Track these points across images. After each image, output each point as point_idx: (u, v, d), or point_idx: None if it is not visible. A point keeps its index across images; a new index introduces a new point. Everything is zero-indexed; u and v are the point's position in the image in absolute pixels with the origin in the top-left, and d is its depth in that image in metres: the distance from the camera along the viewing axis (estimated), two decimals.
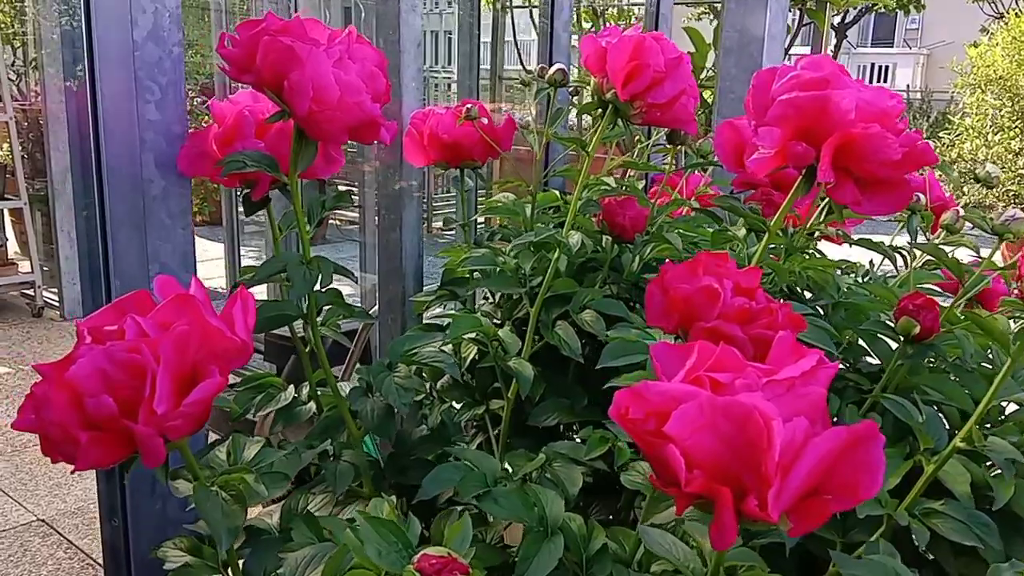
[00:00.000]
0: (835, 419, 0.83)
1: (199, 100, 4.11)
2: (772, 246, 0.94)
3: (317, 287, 0.78)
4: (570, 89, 0.95)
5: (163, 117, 0.78)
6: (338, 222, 5.27)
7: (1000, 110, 4.41)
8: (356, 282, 0.91)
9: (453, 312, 0.94)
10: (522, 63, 3.15)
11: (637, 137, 1.34)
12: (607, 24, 2.27)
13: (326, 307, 0.84)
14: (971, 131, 4.60)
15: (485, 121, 0.94)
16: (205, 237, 4.89)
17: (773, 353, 0.41)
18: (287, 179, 0.74)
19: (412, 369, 0.79)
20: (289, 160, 0.74)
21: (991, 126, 4.47)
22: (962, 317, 0.85)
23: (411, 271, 1.11)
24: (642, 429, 0.39)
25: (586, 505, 0.92)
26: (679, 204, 1.03)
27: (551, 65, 1.31)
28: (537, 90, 0.93)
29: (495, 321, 1.02)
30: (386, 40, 1.05)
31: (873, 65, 13.18)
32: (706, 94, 2.21)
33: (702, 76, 2.21)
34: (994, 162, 4.40)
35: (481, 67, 2.31)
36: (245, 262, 3.84)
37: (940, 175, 1.13)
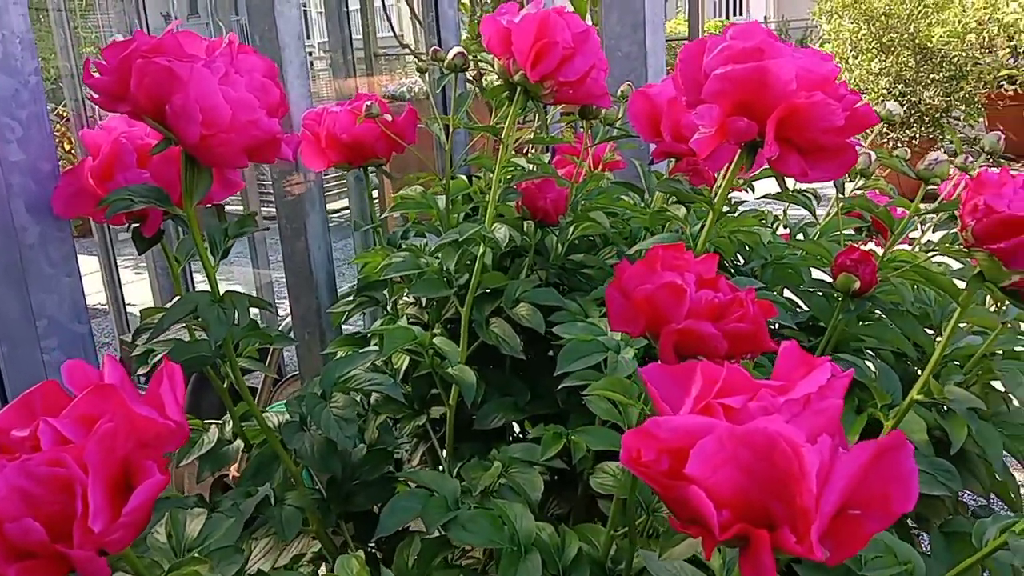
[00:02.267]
0: None
1: (48, 108, 3.81)
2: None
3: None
4: (472, 73, 0.90)
5: (28, 156, 0.68)
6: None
7: (858, 34, 4.57)
8: (274, 311, 0.84)
9: (380, 327, 0.88)
10: (394, 32, 3.03)
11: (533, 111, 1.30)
12: None
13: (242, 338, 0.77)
14: (833, 57, 4.76)
15: (389, 118, 0.87)
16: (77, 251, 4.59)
17: (779, 365, 0.38)
18: (181, 212, 0.66)
19: (348, 396, 0.73)
20: (181, 190, 0.66)
21: (851, 50, 4.64)
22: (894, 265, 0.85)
23: (323, 281, 1.05)
24: (656, 472, 0.35)
25: (543, 501, 0.90)
26: (597, 179, 1.00)
27: (440, 44, 1.25)
28: (436, 79, 0.88)
29: (424, 322, 0.97)
30: (262, 37, 0.97)
31: None
32: None
33: None
34: (857, 85, 4.57)
35: (353, 38, 2.20)
36: (124, 275, 3.62)
37: None
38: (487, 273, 0.88)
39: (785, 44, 0.58)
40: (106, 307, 3.39)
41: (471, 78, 0.92)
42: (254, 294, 2.72)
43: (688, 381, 0.38)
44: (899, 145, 4.40)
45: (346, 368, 0.76)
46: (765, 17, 9.00)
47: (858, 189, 0.98)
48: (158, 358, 0.77)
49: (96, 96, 0.61)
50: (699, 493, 0.33)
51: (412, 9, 2.04)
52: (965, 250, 0.62)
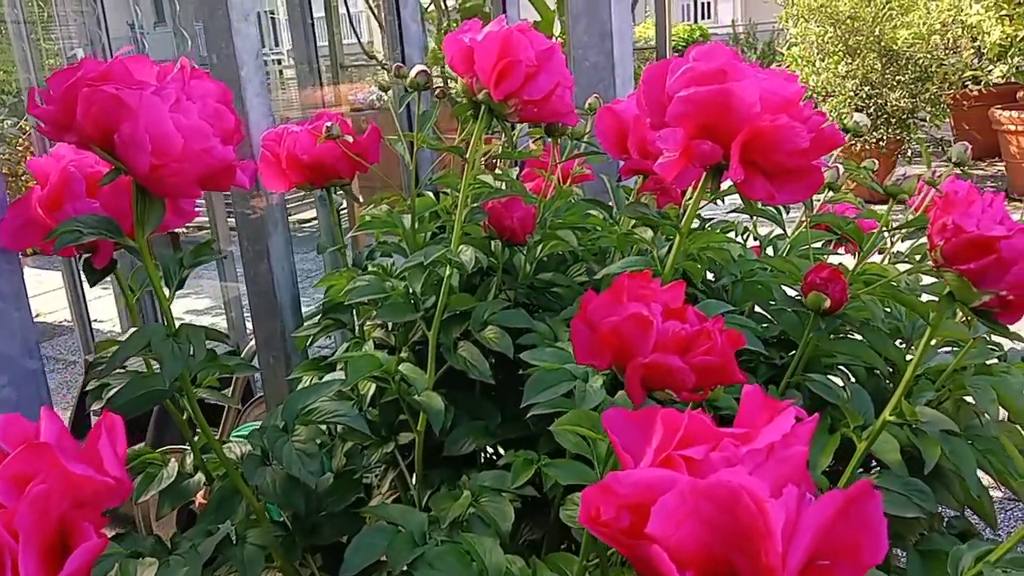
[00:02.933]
0: None
1: (10, 123, 3.75)
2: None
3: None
4: (436, 92, 0.88)
5: None
6: (184, 230, 4.97)
7: (824, 37, 4.61)
8: (228, 340, 0.81)
9: (344, 354, 0.86)
10: (359, 39, 3.00)
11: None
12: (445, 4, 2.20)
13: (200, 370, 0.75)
14: (800, 60, 4.79)
15: (350, 139, 0.85)
16: (40, 267, 4.52)
17: (743, 410, 0.37)
18: (133, 243, 0.64)
19: (311, 428, 0.71)
20: (133, 221, 0.64)
21: (817, 53, 4.67)
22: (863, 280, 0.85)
23: (287, 303, 1.02)
24: (617, 530, 0.34)
25: (516, 527, 0.88)
26: (565, 195, 0.98)
27: (404, 59, 1.23)
28: (400, 97, 0.86)
29: (391, 345, 0.95)
30: (220, 55, 0.94)
31: (696, 2, 13.60)
32: None
33: None
34: (824, 88, 4.61)
35: (318, 44, 2.17)
36: (91, 290, 3.56)
37: None
38: (454, 295, 0.86)
39: (749, 65, 0.56)
40: (71, 324, 3.33)
41: (436, 96, 0.90)
42: (221, 308, 2.67)
43: (650, 427, 0.37)
44: (867, 147, 4.45)
45: (309, 398, 0.74)
46: (733, 21, 9.07)
47: (827, 202, 0.97)
48: (113, 392, 0.74)
49: (42, 126, 0.58)
50: (661, 553, 0.32)
51: (379, 20, 2.01)
52: (934, 268, 0.61)
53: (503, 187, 1.05)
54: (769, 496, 0.33)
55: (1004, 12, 3.97)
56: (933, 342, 0.91)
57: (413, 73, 0.85)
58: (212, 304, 3.94)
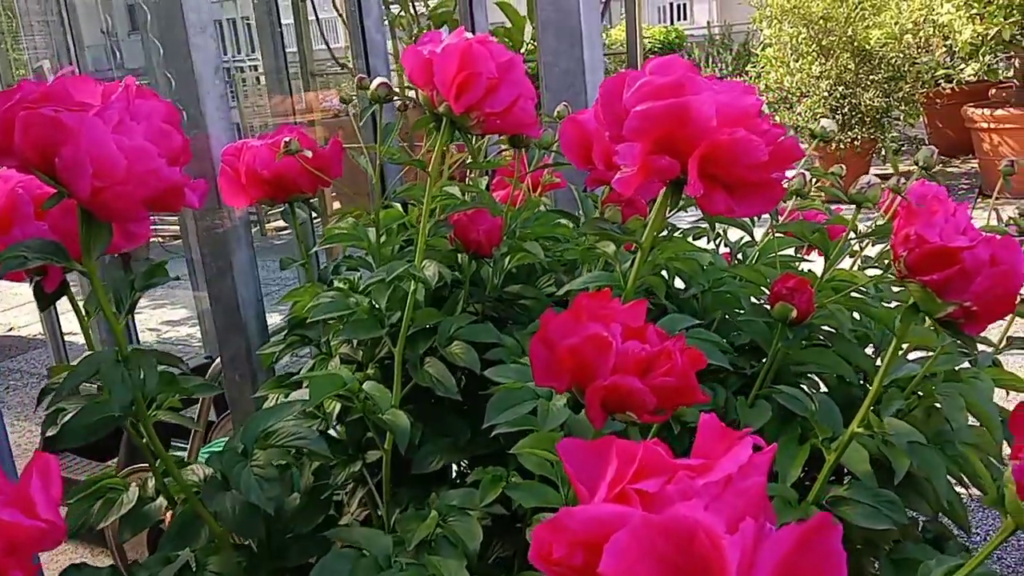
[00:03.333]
0: (722, 411, 0.81)
1: None
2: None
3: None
4: (398, 104, 0.87)
5: None
6: (161, 239, 4.90)
7: (797, 38, 4.63)
8: (186, 366, 0.79)
9: (307, 373, 0.84)
10: (328, 47, 2.98)
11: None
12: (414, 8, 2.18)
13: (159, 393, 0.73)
14: (774, 61, 4.81)
15: (309, 154, 0.84)
16: (12, 279, 4.45)
17: (699, 440, 0.36)
18: (81, 267, 0.62)
19: (271, 452, 0.69)
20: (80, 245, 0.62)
21: (791, 54, 4.70)
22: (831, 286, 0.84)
23: (252, 320, 1.01)
24: (569, 567, 0.32)
25: (487, 544, 0.87)
26: (533, 206, 0.97)
27: (368, 71, 1.21)
28: (361, 111, 0.84)
29: (359, 360, 0.93)
30: (179, 70, 0.93)
31: (671, 4, 13.65)
32: (530, 66, 2.17)
33: (522, 50, 2.16)
34: (799, 88, 4.63)
35: (287, 50, 2.15)
36: (62, 303, 3.50)
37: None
38: (420, 310, 0.85)
39: (706, 77, 0.56)
40: (44, 338, 3.28)
41: (398, 108, 0.88)
42: (195, 318, 2.63)
43: (606, 457, 0.35)
44: (841, 147, 4.47)
45: (269, 420, 0.72)
46: (708, 22, 9.11)
47: (796, 208, 0.96)
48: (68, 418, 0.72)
49: None
50: None
51: (348, 27, 2.00)
52: (899, 279, 0.60)
53: (470, 198, 1.04)
54: (726, 531, 0.32)
55: (975, 11, 4.01)
56: (903, 349, 0.91)
57: (374, 85, 0.84)
58: (188, 315, 3.89)
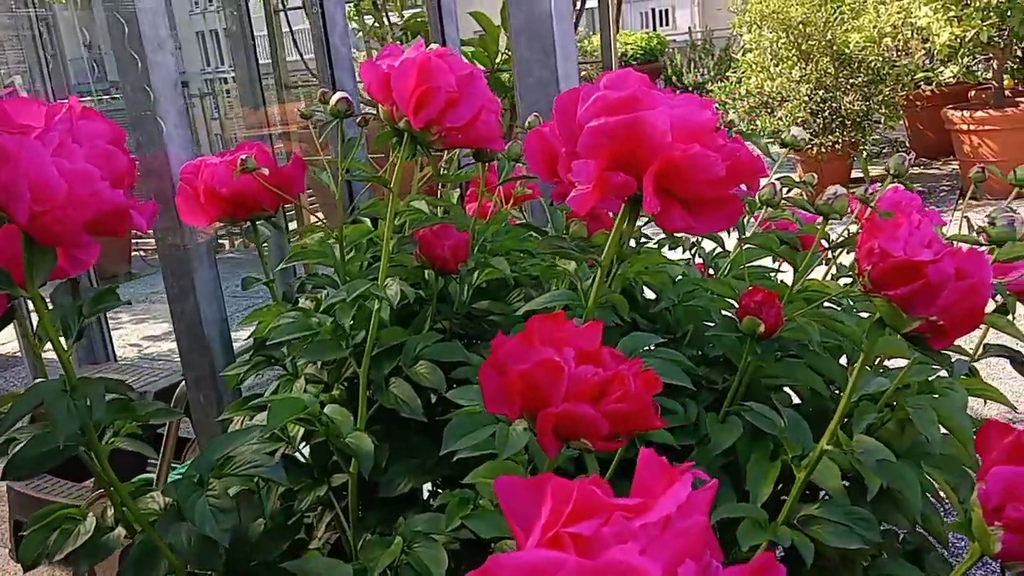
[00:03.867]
0: (694, 427, 0.80)
1: None
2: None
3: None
4: (358, 120, 0.85)
5: None
6: (143, 252, 4.85)
7: (777, 42, 4.64)
8: (136, 393, 0.77)
9: (268, 397, 0.82)
10: (302, 58, 2.95)
11: None
12: (388, 22, 2.16)
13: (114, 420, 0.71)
14: (754, 66, 4.82)
15: (266, 171, 0.82)
16: None
17: (639, 477, 0.34)
18: (25, 293, 0.60)
19: (227, 480, 0.67)
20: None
21: (771, 59, 4.71)
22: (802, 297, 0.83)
23: (216, 340, 0.98)
24: None
25: (455, 567, 0.85)
26: (500, 220, 0.96)
27: (333, 84, 1.20)
28: (321, 125, 0.83)
29: (325, 381, 0.91)
30: (132, 87, 0.91)
31: (653, 10, 13.70)
32: (504, 77, 2.16)
33: (497, 60, 2.15)
34: (779, 92, 4.64)
35: (261, 63, 2.13)
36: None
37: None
38: (385, 329, 0.83)
39: (662, 91, 0.54)
40: (20, 357, 3.24)
41: (359, 123, 0.87)
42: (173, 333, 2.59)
43: (543, 497, 0.34)
44: (823, 150, 4.48)
45: (227, 447, 0.70)
46: (689, 28, 9.13)
47: (767, 219, 0.95)
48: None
49: None
50: None
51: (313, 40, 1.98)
52: (864, 293, 0.59)
53: (440, 213, 1.03)
54: (663, 575, 0.30)
55: (952, 14, 4.03)
56: (879, 358, 0.90)
57: (334, 100, 0.82)
58: (169, 329, 3.86)
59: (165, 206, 0.93)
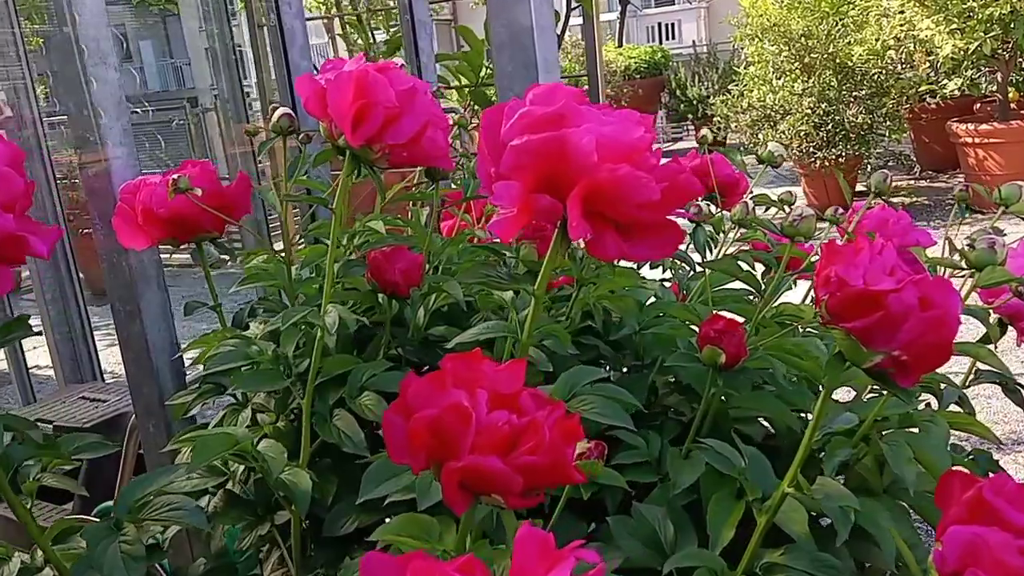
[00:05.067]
0: (657, 462, 0.75)
1: None
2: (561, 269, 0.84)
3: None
4: (300, 136, 0.81)
5: None
6: None
7: (779, 55, 4.59)
8: (37, 430, 0.72)
9: (216, 425, 0.78)
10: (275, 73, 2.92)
11: None
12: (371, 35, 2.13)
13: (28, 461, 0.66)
14: (756, 79, 4.78)
15: (199, 192, 0.78)
16: None
17: (517, 559, 0.29)
18: None
19: (143, 528, 0.63)
20: None
21: (773, 72, 4.66)
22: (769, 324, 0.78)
23: (165, 367, 0.94)
24: None
25: None
26: (458, 242, 0.91)
27: (292, 99, 1.16)
28: (262, 143, 0.78)
29: (268, 412, 0.87)
30: (75, 103, 0.87)
31: (660, 24, 13.70)
32: (490, 92, 2.12)
33: (482, 74, 2.12)
34: (781, 106, 4.59)
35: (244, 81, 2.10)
36: (30, 340, 3.43)
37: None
38: (330, 357, 0.78)
39: (595, 107, 0.50)
40: (9, 373, 3.20)
41: (300, 141, 0.83)
42: None
43: None
44: (826, 165, 4.43)
45: (149, 487, 0.66)
46: (693, 41, 9.10)
47: (739, 240, 0.91)
48: None
49: None
50: None
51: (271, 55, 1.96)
52: (822, 325, 0.54)
53: (407, 231, 0.98)
54: None
55: (955, 26, 3.97)
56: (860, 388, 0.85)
57: (275, 116, 0.78)
58: None
59: (109, 227, 0.89)
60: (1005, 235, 0.75)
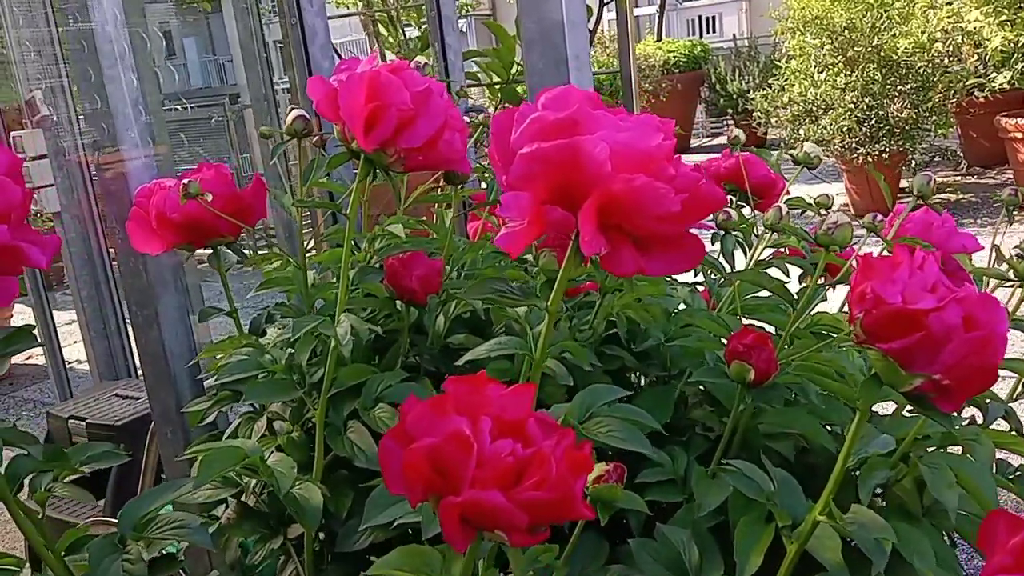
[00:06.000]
0: (683, 481, 0.71)
1: None
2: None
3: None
4: (314, 140, 0.79)
5: None
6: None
7: (821, 48, 4.49)
8: (36, 442, 0.70)
9: (232, 434, 0.76)
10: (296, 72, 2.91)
11: None
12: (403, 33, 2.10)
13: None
14: (798, 73, 4.68)
15: (209, 197, 0.76)
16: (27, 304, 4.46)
17: None
18: None
19: (144, 545, 0.61)
20: None
21: (815, 65, 4.55)
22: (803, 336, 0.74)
23: (182, 373, 0.93)
24: None
25: None
26: (477, 248, 0.88)
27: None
28: (275, 146, 0.76)
29: (284, 421, 0.85)
30: (93, 105, 0.86)
31: (700, 17, 13.54)
32: (520, 89, 2.08)
33: (512, 71, 2.08)
34: (823, 100, 4.48)
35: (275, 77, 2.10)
36: (70, 334, 3.48)
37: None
38: (344, 367, 0.76)
39: (612, 111, 0.46)
40: (47, 368, 3.25)
41: (315, 144, 0.80)
42: None
43: None
44: (869, 161, 4.32)
45: (154, 502, 0.64)
46: (734, 35, 8.95)
47: (771, 246, 0.87)
48: None
49: None
50: None
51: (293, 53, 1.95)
52: (856, 345, 0.51)
53: (431, 234, 0.96)
54: None
55: (1004, 18, 3.85)
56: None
57: (290, 119, 0.76)
58: None
59: (125, 231, 0.88)
60: None
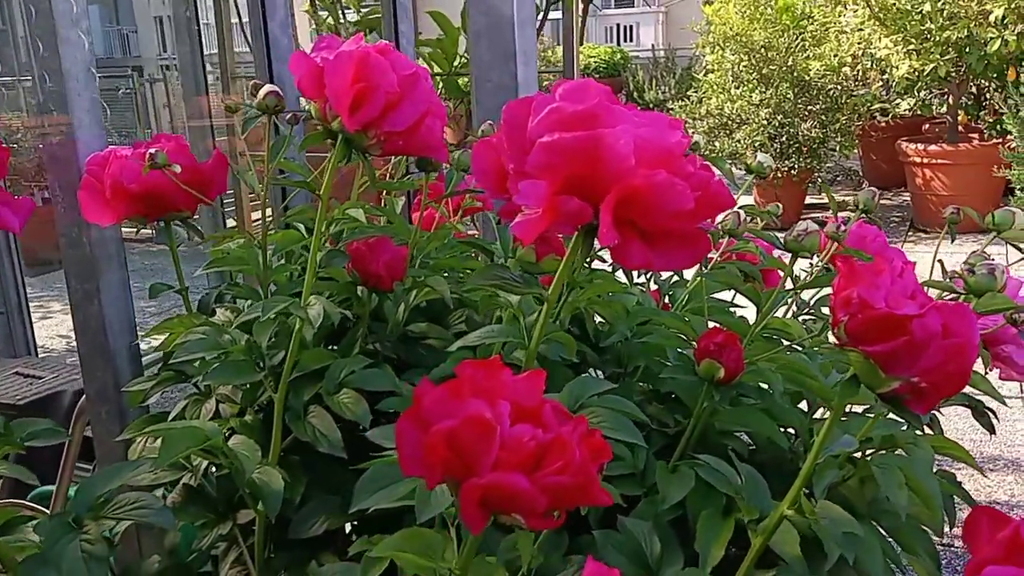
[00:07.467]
0: (642, 475, 0.73)
1: None
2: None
3: None
4: (287, 116, 0.77)
5: None
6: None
7: (739, 65, 4.64)
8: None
9: (178, 416, 0.73)
10: (251, 48, 2.84)
11: None
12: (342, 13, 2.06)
13: None
14: (715, 87, 4.82)
15: (178, 168, 0.73)
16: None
17: None
18: None
19: (100, 527, 0.58)
20: None
21: (732, 80, 4.71)
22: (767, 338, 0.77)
23: (122, 350, 0.89)
24: None
25: None
26: (442, 236, 0.88)
27: (272, 77, 1.11)
28: (246, 119, 0.74)
29: (238, 403, 0.82)
30: (46, 68, 0.81)
31: (618, 26, 13.78)
32: (462, 81, 2.07)
33: (455, 64, 2.07)
34: (739, 115, 4.64)
35: (207, 53, 2.02)
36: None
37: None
38: (307, 351, 0.75)
39: (626, 107, 0.47)
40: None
41: (288, 120, 0.78)
42: None
43: None
44: (778, 176, 4.49)
45: (109, 483, 0.61)
46: (652, 45, 9.16)
47: (729, 250, 0.89)
48: None
49: None
50: None
51: (243, 33, 1.89)
52: (837, 347, 0.53)
53: (381, 221, 0.95)
54: None
55: (912, 47, 4.06)
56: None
57: (262, 94, 0.74)
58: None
59: (70, 200, 0.84)
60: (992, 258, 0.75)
